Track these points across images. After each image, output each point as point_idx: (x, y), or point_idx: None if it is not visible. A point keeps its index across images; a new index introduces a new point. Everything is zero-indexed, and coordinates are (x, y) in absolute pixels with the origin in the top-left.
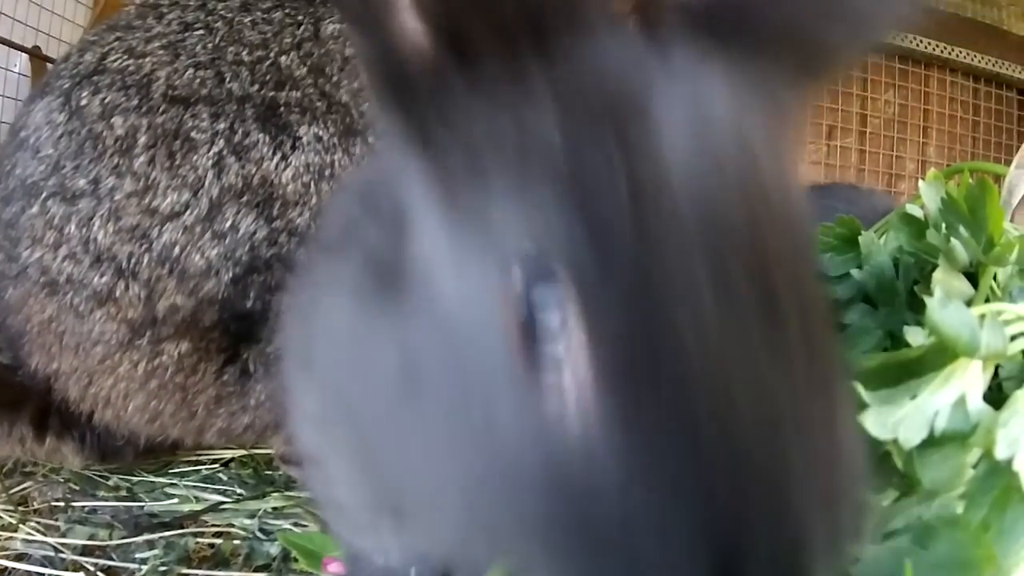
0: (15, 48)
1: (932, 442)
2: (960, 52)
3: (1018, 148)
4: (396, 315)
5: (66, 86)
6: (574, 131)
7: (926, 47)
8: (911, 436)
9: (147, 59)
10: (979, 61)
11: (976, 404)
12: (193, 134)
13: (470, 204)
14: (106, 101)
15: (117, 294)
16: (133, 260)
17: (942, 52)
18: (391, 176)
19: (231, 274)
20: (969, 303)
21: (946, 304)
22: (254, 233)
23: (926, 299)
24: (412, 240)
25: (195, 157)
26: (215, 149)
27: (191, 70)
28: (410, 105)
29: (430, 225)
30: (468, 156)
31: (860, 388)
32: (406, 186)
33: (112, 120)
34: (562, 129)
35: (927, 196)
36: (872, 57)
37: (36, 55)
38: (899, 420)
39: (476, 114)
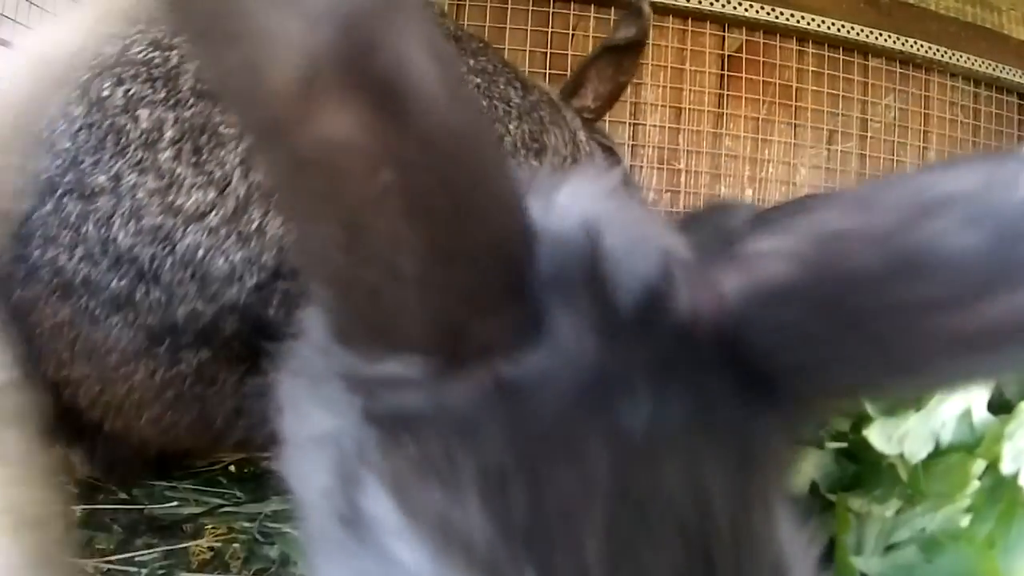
0: None
1: (937, 453)
2: (960, 56)
3: None
4: (355, 550)
5: (84, 77)
6: (497, 497)
7: (926, 51)
8: (917, 450)
9: (174, 52)
10: (979, 65)
11: (981, 415)
12: (221, 129)
13: (423, 518)
14: (130, 93)
15: (136, 298)
16: (155, 263)
17: (942, 56)
18: (342, 410)
19: (255, 280)
20: None
21: None
22: (282, 236)
23: None
24: (364, 495)
25: (222, 152)
26: (244, 145)
27: None
28: (354, 369)
29: (380, 500)
30: (411, 466)
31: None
32: (355, 435)
33: (137, 113)
34: (482, 493)
35: None
36: (872, 62)
37: None
38: (904, 433)
39: (408, 419)
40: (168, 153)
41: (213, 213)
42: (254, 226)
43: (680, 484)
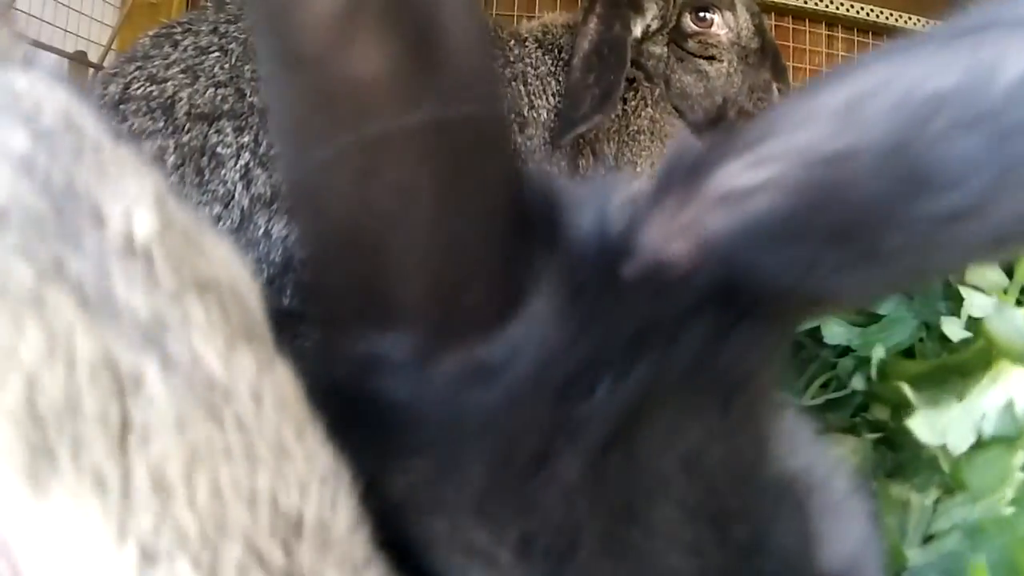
0: (59, 54)
1: (979, 445)
2: None
3: None
4: None
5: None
6: None
7: None
8: (959, 442)
9: (168, 83)
10: None
11: (1023, 406)
12: (219, 149)
13: None
14: (134, 127)
15: None
16: None
17: None
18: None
19: (266, 275)
20: (1005, 291)
21: (1001, 310)
22: (287, 236)
23: (963, 292)
24: None
25: (223, 172)
26: (242, 162)
27: (211, 89)
28: None
29: None
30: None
31: (907, 388)
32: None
33: (141, 146)
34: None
35: None
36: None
37: (80, 61)
38: (947, 424)
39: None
40: (172, 179)
41: (220, 224)
42: (260, 232)
43: (667, 457)
